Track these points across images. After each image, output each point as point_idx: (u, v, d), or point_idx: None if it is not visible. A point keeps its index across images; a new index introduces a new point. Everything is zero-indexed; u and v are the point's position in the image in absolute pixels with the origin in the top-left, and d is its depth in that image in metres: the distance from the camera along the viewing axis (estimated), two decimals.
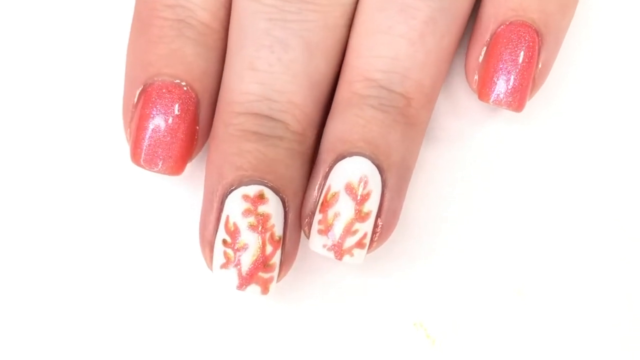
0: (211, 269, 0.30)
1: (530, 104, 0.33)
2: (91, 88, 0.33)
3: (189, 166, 0.31)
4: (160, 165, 0.30)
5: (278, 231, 0.30)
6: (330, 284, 0.33)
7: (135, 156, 0.30)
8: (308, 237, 0.30)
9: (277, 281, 0.30)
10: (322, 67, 0.31)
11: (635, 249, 0.33)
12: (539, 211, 0.33)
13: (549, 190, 0.33)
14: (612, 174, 0.33)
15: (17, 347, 0.32)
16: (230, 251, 0.29)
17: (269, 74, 0.30)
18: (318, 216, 0.30)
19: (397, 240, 0.33)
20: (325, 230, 0.29)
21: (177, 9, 0.30)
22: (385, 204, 0.30)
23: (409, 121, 0.30)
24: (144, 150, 0.30)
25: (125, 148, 0.31)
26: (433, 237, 0.33)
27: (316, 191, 0.30)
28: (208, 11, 0.30)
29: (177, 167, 0.30)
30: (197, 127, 0.30)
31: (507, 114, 0.33)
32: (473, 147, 0.33)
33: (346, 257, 0.30)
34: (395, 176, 0.30)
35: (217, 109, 0.31)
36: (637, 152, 0.33)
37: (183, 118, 0.30)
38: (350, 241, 0.29)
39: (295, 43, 0.30)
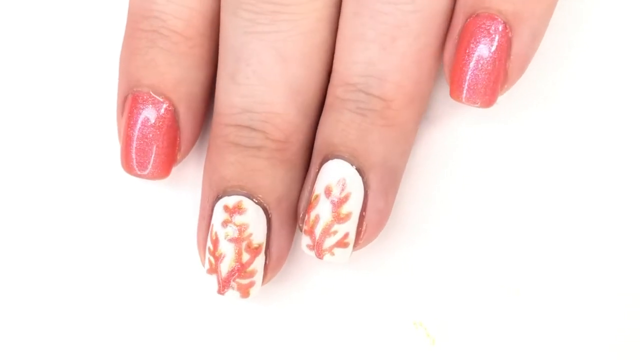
0: None
1: (528, 102, 0.32)
2: (92, 92, 0.35)
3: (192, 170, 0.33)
4: (143, 172, 0.32)
5: (257, 239, 0.31)
6: (330, 284, 0.33)
7: (122, 163, 0.32)
8: None
9: (263, 283, 0.32)
10: (302, 74, 0.31)
11: (634, 248, 0.32)
12: (538, 211, 0.33)
13: (547, 190, 0.33)
14: (610, 173, 0.32)
15: (16, 347, 0.34)
16: (212, 259, 0.31)
17: (247, 86, 0.31)
18: (306, 217, 0.31)
19: (397, 240, 0.33)
20: (308, 231, 0.31)
21: (151, 20, 0.32)
22: (369, 203, 0.31)
23: (388, 122, 0.31)
24: (130, 158, 0.32)
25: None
26: (433, 237, 0.33)
27: (307, 193, 0.31)
28: (180, 19, 0.31)
29: (159, 172, 0.32)
30: (178, 133, 0.32)
31: (506, 112, 0.33)
32: (474, 147, 0.33)
33: (327, 256, 0.31)
34: (377, 177, 0.31)
35: (212, 119, 0.32)
36: (634, 150, 0.32)
37: (160, 127, 0.31)
38: (330, 241, 0.31)
39: (268, 55, 0.31)
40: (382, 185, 0.31)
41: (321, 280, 0.34)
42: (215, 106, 0.32)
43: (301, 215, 0.31)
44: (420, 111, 0.32)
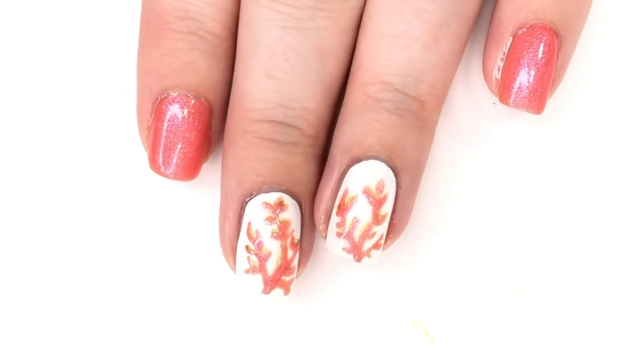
0: (235, 273, 0.31)
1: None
2: (104, 93, 0.34)
3: (203, 169, 0.32)
4: (175, 172, 0.31)
5: (297, 235, 0.31)
6: (329, 283, 0.33)
7: (152, 163, 0.31)
8: (324, 237, 0.31)
9: (296, 278, 0.31)
10: (334, 71, 0.31)
11: (633, 249, 0.34)
12: (536, 212, 0.34)
13: (546, 190, 0.34)
14: (610, 175, 0.34)
15: (20, 347, 0.33)
16: (254, 258, 0.30)
17: (284, 82, 0.30)
18: (336, 219, 0.30)
19: (397, 240, 0.33)
20: (343, 234, 0.30)
21: (187, 21, 0.31)
22: (399, 203, 0.31)
23: (423, 124, 0.31)
24: (159, 158, 0.31)
25: (140, 153, 0.32)
26: (432, 237, 0.34)
27: (330, 192, 0.31)
28: (218, 22, 0.31)
29: (191, 173, 0.31)
30: (210, 134, 0.31)
31: (504, 114, 0.34)
32: (473, 148, 0.34)
33: (365, 259, 0.31)
34: (409, 177, 0.31)
35: (231, 113, 0.31)
36: (633, 153, 0.34)
37: (198, 128, 0.31)
38: (369, 244, 0.30)
39: (308, 50, 0.30)
40: (412, 185, 0.31)
41: (320, 280, 0.33)
42: (237, 101, 0.31)
43: (323, 217, 0.31)
44: (440, 113, 0.32)
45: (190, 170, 0.31)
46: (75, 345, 0.33)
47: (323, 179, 0.31)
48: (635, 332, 0.34)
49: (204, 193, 0.33)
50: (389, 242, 0.31)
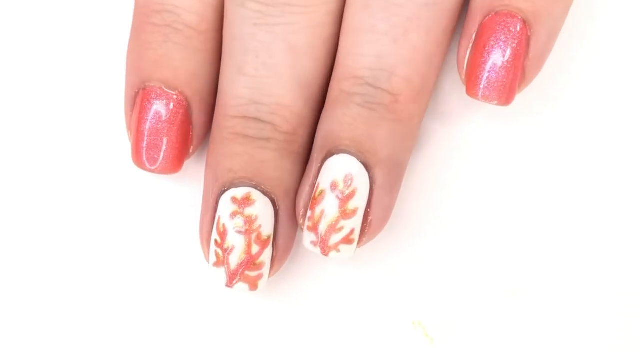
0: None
1: (527, 101, 0.33)
2: (95, 88, 0.34)
3: (193, 164, 0.33)
4: (155, 166, 0.32)
5: (266, 231, 0.31)
6: (329, 283, 0.33)
7: (134, 158, 0.32)
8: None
9: (270, 276, 0.31)
10: (310, 67, 0.31)
11: (631, 248, 0.33)
12: (536, 212, 0.33)
13: (546, 190, 0.33)
14: (608, 174, 0.33)
15: (18, 347, 0.33)
16: (219, 251, 0.31)
17: (256, 78, 0.31)
18: (308, 213, 0.31)
19: (396, 239, 0.33)
20: (312, 227, 0.30)
21: (164, 15, 0.31)
22: (375, 199, 0.31)
23: (396, 117, 0.31)
24: (141, 153, 0.32)
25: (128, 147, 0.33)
26: (432, 237, 0.33)
27: (308, 187, 0.31)
28: (195, 14, 0.31)
29: (171, 167, 0.32)
30: (191, 127, 0.32)
31: (506, 109, 0.33)
32: (473, 146, 0.33)
33: (332, 253, 0.30)
34: (384, 172, 0.31)
35: (215, 109, 0.32)
36: (633, 151, 0.33)
37: (173, 122, 0.31)
38: (336, 238, 0.30)
39: (279, 47, 0.31)
40: (388, 181, 0.31)
41: (320, 279, 0.33)
42: (218, 97, 0.32)
43: (302, 211, 0.31)
44: (425, 106, 0.32)
45: (169, 165, 0.31)
46: (62, 342, 0.34)
47: (304, 175, 0.32)
48: (635, 332, 0.32)
49: (193, 187, 0.34)
50: (364, 239, 0.31)
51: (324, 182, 0.30)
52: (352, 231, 0.30)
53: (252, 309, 0.33)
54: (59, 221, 0.34)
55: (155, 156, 0.31)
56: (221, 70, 0.32)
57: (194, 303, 0.34)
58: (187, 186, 0.34)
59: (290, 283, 0.33)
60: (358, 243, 0.31)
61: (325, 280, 0.33)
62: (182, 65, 0.31)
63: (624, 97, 0.33)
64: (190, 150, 0.32)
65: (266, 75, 0.31)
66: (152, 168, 0.31)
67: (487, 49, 0.30)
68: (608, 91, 0.33)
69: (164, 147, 0.31)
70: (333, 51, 0.32)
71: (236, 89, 0.31)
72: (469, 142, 0.33)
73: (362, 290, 0.33)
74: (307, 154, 0.32)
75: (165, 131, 0.31)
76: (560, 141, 0.33)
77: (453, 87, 0.33)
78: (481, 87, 0.30)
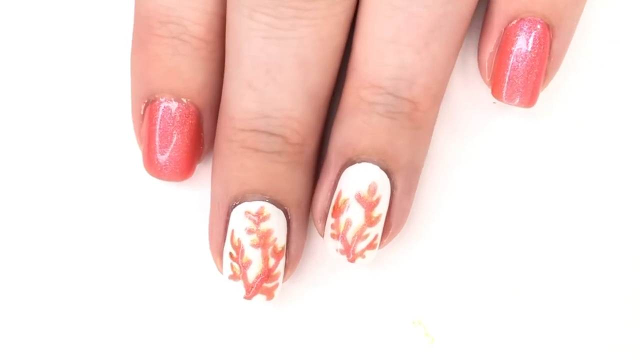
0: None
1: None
2: (102, 93, 0.34)
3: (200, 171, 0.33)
4: (168, 174, 0.32)
5: (281, 242, 0.31)
6: (329, 283, 0.34)
7: (145, 164, 0.32)
8: (322, 236, 0.32)
9: (283, 282, 0.32)
10: (319, 79, 0.31)
11: (633, 248, 0.33)
12: (537, 210, 0.33)
13: (547, 189, 0.34)
14: (613, 174, 0.33)
15: (19, 347, 0.33)
16: (236, 265, 0.31)
17: (265, 93, 0.31)
18: (330, 220, 0.31)
19: (396, 239, 0.33)
20: (337, 235, 0.31)
21: (170, 26, 0.31)
22: (395, 204, 0.31)
23: (416, 125, 0.31)
24: (151, 160, 0.32)
25: (136, 153, 0.33)
26: (432, 236, 0.34)
27: (326, 193, 0.31)
28: (201, 25, 0.31)
29: (183, 174, 0.32)
30: (202, 135, 0.32)
31: (505, 111, 0.33)
32: (472, 146, 0.34)
33: (358, 260, 0.31)
34: (403, 178, 0.31)
35: (219, 120, 0.32)
36: (633, 153, 0.33)
37: (186, 132, 0.31)
38: (362, 245, 0.31)
39: (289, 62, 0.30)
40: (407, 185, 0.31)
41: (320, 279, 0.34)
42: (225, 109, 0.31)
43: (320, 216, 0.31)
44: (438, 112, 0.32)
45: (180, 170, 0.32)
46: (64, 343, 0.34)
47: (320, 178, 0.32)
48: (635, 332, 0.33)
49: (200, 193, 0.33)
50: (385, 241, 0.32)
51: (347, 190, 0.31)
52: (375, 237, 0.31)
53: (252, 309, 0.34)
54: (61, 222, 0.34)
55: (168, 166, 0.32)
56: (226, 81, 0.31)
57: (197, 305, 0.34)
58: (196, 191, 0.34)
59: (289, 283, 0.33)
60: (380, 246, 0.31)
61: (325, 280, 0.34)
62: (192, 77, 0.31)
63: (629, 98, 0.34)
64: (202, 156, 0.32)
65: (277, 90, 0.30)
66: (165, 177, 0.32)
67: (513, 54, 0.31)
68: (610, 88, 0.34)
69: (176, 155, 0.31)
70: (340, 60, 0.32)
71: (245, 102, 0.31)
72: (468, 142, 0.34)
73: (363, 289, 0.34)
74: (315, 162, 0.32)
75: (177, 140, 0.31)
76: (560, 141, 0.34)
77: (454, 88, 0.33)
78: (506, 88, 0.31)
